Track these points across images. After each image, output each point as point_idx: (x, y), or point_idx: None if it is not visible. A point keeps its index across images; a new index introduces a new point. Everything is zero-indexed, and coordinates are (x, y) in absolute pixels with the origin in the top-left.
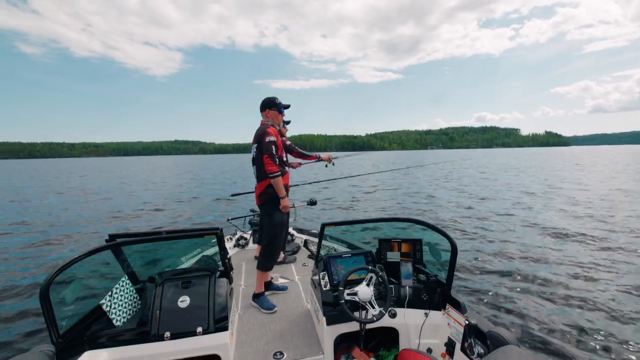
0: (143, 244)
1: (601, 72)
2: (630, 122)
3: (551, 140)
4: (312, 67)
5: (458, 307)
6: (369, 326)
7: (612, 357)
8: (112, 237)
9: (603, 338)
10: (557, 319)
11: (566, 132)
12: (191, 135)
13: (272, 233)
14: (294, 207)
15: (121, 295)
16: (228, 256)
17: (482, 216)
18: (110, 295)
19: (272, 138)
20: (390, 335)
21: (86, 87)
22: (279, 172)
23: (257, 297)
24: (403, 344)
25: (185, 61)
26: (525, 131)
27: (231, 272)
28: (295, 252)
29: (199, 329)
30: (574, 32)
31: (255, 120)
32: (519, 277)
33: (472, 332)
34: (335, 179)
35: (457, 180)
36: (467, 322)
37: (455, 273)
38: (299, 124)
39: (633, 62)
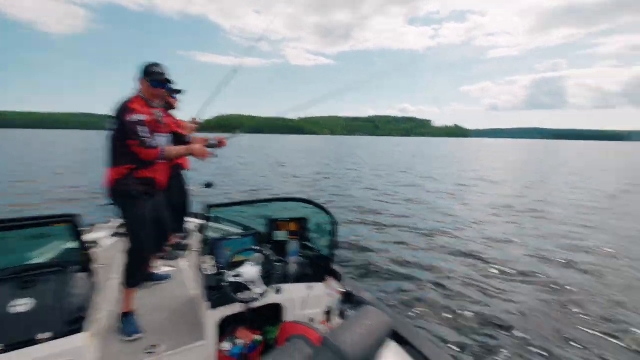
0: None
1: (497, 75)
2: (515, 120)
3: (458, 132)
4: (243, 44)
5: (337, 278)
6: (256, 305)
7: (452, 318)
8: None
9: (447, 304)
10: (413, 286)
11: (469, 126)
12: (98, 108)
13: (132, 236)
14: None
15: None
16: (94, 247)
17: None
18: None
19: (138, 117)
20: (278, 312)
21: None
22: (162, 155)
23: (124, 316)
24: (288, 318)
25: (91, 20)
26: (438, 123)
27: (95, 265)
28: (183, 248)
29: (44, 335)
30: (481, 39)
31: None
32: (392, 252)
33: (347, 299)
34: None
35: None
36: (343, 291)
37: (346, 249)
38: (228, 103)
39: (520, 69)
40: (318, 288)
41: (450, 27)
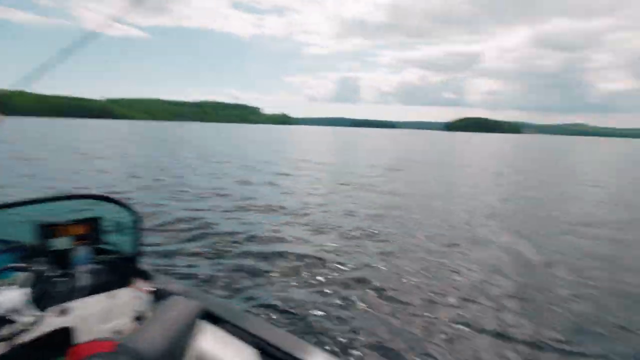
0: None
1: (313, 70)
2: (328, 110)
3: (284, 120)
4: None
5: (146, 277)
6: (29, 339)
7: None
8: None
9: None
10: (230, 271)
11: (294, 114)
12: None
13: None
14: None
15: None
16: None
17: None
18: None
19: None
20: (67, 337)
21: None
22: None
23: None
24: (83, 339)
25: None
26: (267, 110)
27: None
28: None
29: None
30: (299, 35)
31: None
32: (198, 238)
33: (157, 296)
34: None
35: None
36: (153, 289)
37: (154, 244)
38: None
39: (330, 67)
40: (123, 294)
41: (273, 19)
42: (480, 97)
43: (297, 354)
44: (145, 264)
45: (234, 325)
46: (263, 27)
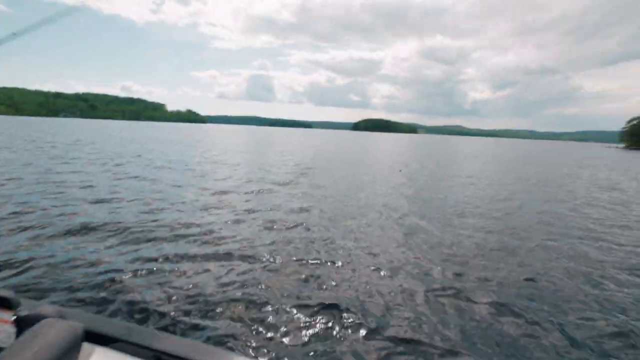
0: None
1: (223, 66)
2: (240, 108)
3: (191, 117)
4: None
5: (8, 305)
6: None
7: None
8: None
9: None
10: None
11: (202, 112)
12: None
13: None
14: None
15: None
16: None
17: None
18: None
19: None
20: None
21: None
22: None
23: None
24: None
25: None
26: (170, 107)
27: None
28: None
29: None
30: (204, 26)
31: None
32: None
33: (24, 325)
34: None
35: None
36: (13, 318)
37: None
38: None
39: (240, 63)
40: None
41: (172, 6)
42: (380, 100)
43: (199, 358)
44: (2, 288)
45: (127, 342)
46: (161, 13)
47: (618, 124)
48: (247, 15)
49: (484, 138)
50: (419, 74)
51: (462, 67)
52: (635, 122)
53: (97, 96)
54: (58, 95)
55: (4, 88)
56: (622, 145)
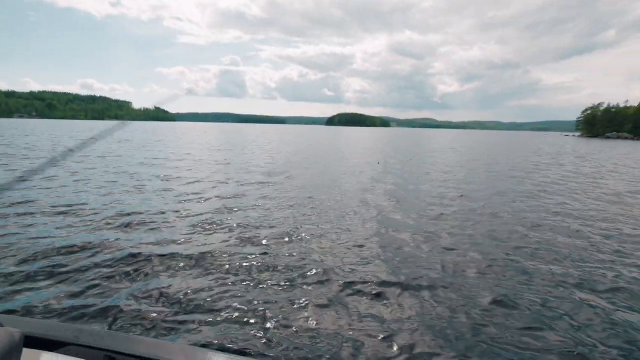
0: None
1: (192, 62)
2: (211, 106)
3: (160, 115)
4: None
5: None
6: None
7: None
8: None
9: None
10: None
11: (171, 109)
12: None
13: None
14: None
15: None
16: None
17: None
18: None
19: None
20: None
21: None
22: None
23: None
24: None
25: None
26: (136, 105)
27: None
28: None
29: None
30: (170, 20)
31: None
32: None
33: None
34: None
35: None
36: None
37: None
38: None
39: (209, 59)
40: None
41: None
42: (353, 95)
43: (154, 355)
44: None
45: (73, 344)
46: (121, 6)
47: (574, 115)
48: (215, 9)
49: (454, 130)
50: (389, 68)
51: (431, 62)
52: (589, 112)
53: (55, 95)
54: (11, 94)
55: None
56: (578, 133)
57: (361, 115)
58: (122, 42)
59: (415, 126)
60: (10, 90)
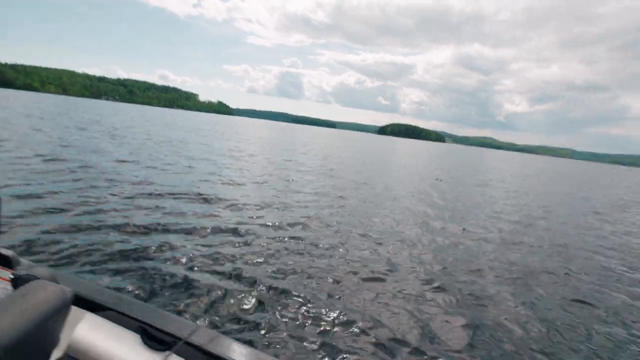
0: None
1: (256, 61)
2: (269, 104)
3: (222, 109)
4: None
5: (7, 263)
6: None
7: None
8: None
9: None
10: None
11: (231, 104)
12: None
13: None
14: None
15: None
16: None
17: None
18: None
19: None
20: None
21: None
22: None
23: None
24: None
25: None
26: (202, 97)
27: None
28: None
29: None
30: (240, 22)
31: None
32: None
33: (19, 284)
34: None
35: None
36: (11, 277)
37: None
38: None
39: (272, 60)
40: None
41: (213, 1)
42: (409, 106)
43: (181, 335)
44: (4, 248)
45: (113, 310)
46: (202, 7)
47: None
48: (283, 13)
49: (516, 153)
50: (451, 81)
51: (499, 78)
52: None
53: (136, 82)
54: (102, 79)
55: (55, 69)
56: None
57: (415, 127)
58: (198, 39)
59: (473, 144)
60: (101, 76)
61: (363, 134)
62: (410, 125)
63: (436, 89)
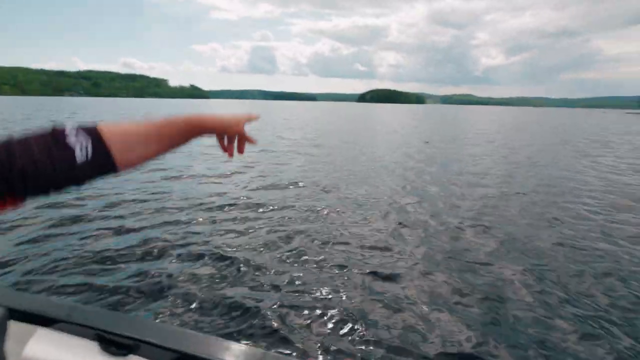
0: None
1: (224, 38)
2: (242, 82)
3: (195, 92)
4: None
5: None
6: None
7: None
8: None
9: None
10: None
11: (205, 86)
12: None
13: None
14: None
15: None
16: None
17: None
18: None
19: None
20: None
21: None
22: None
23: None
24: None
25: None
26: (173, 82)
27: None
28: None
29: None
30: None
31: None
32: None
33: None
34: None
35: None
36: None
37: None
38: None
39: (240, 35)
40: None
41: None
42: (387, 70)
43: (142, 336)
44: None
45: (66, 322)
46: None
47: (636, 89)
48: None
49: (495, 107)
50: (426, 40)
51: (474, 32)
52: None
53: (98, 73)
54: (61, 73)
55: (8, 68)
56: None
57: (394, 91)
58: (158, 21)
59: (452, 102)
60: (60, 70)
61: (344, 103)
62: (389, 90)
63: (412, 50)
